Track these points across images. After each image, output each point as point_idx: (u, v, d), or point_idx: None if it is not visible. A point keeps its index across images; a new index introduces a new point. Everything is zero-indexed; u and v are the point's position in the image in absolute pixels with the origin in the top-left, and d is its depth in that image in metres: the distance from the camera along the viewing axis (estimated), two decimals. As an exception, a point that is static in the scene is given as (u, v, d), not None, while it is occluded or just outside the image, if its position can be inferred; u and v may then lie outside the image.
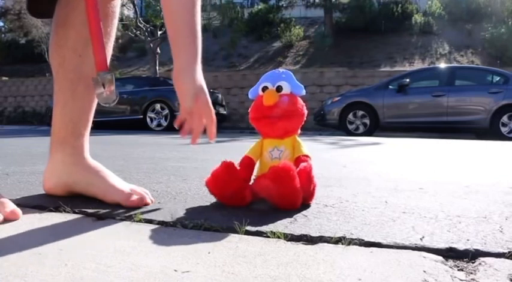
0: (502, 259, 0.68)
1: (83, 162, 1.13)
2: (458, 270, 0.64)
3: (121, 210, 0.99)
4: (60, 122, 1.14)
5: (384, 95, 7.92)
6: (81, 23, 1.05)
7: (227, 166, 1.03)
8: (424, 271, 0.62)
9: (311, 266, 0.64)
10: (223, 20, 14.34)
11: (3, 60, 16.58)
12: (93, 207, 1.00)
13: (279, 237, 0.79)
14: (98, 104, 1.12)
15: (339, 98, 8.40)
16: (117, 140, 4.30)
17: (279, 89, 1.10)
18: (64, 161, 1.12)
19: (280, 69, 1.17)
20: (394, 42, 14.98)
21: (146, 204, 1.04)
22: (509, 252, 0.70)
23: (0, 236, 0.77)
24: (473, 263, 0.67)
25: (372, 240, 0.77)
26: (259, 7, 17.67)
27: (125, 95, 9.19)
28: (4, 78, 15.79)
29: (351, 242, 0.76)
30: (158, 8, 13.20)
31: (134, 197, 1.04)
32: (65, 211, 0.98)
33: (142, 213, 0.96)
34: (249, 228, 0.84)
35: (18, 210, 0.92)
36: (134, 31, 13.01)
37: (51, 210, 0.99)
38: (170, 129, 8.51)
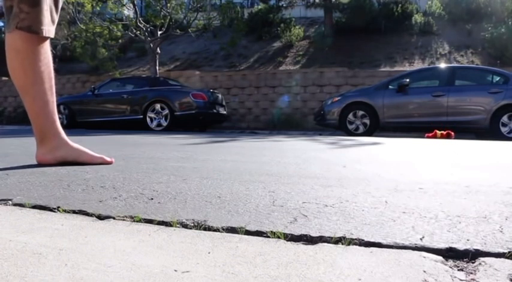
0: (502, 259, 0.68)
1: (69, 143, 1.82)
2: (458, 270, 0.64)
3: (120, 211, 0.99)
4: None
5: (384, 95, 7.92)
6: None
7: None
8: (424, 271, 0.62)
9: (311, 266, 0.64)
10: (223, 20, 14.29)
11: (3, 61, 16.58)
12: (93, 207, 1.00)
13: (279, 237, 0.79)
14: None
15: (339, 98, 8.39)
16: (117, 140, 4.29)
17: None
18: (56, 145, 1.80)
19: None
20: (394, 42, 14.96)
21: (111, 162, 1.87)
22: (509, 252, 0.70)
23: (0, 236, 0.77)
24: (473, 263, 0.67)
25: (372, 240, 0.77)
26: (259, 7, 17.65)
27: (125, 95, 9.18)
28: (4, 78, 15.78)
29: (351, 242, 0.76)
30: (158, 8, 13.19)
31: (107, 158, 1.87)
32: (65, 211, 0.98)
33: (143, 213, 0.96)
34: (249, 228, 0.84)
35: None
36: (134, 31, 12.99)
37: (51, 210, 0.99)
38: (170, 129, 8.51)
